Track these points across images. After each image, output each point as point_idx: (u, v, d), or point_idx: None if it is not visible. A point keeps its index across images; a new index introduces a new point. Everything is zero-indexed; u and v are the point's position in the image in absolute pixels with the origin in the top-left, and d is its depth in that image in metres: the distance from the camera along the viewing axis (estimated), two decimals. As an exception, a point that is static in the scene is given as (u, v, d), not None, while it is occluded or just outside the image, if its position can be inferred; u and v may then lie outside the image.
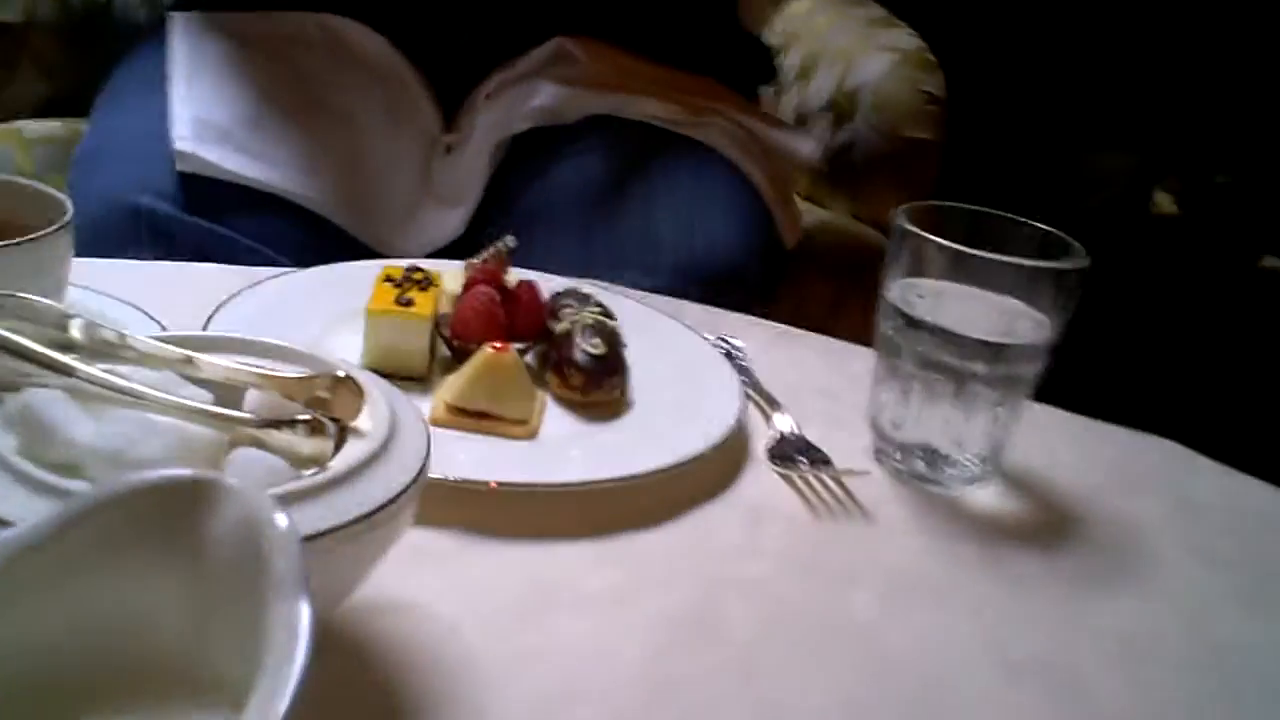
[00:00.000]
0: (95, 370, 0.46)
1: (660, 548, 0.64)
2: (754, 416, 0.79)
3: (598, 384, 0.74)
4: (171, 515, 0.35)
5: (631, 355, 0.80)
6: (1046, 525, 0.74)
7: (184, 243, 1.00)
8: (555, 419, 0.73)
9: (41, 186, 0.68)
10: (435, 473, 0.61)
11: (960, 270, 0.72)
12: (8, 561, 0.34)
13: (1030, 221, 0.75)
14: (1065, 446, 0.83)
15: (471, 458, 0.66)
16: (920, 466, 0.75)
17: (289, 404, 0.49)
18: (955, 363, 0.72)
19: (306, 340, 0.75)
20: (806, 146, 1.25)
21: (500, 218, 1.13)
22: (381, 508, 0.44)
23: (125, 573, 0.36)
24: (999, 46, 2.07)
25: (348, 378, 0.49)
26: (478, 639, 0.55)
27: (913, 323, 0.73)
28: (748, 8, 1.33)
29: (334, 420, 0.48)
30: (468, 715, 0.51)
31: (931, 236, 0.71)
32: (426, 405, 0.71)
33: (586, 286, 0.87)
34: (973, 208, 0.77)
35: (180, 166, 1.01)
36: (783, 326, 0.96)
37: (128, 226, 1.00)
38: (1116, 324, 1.78)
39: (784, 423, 0.78)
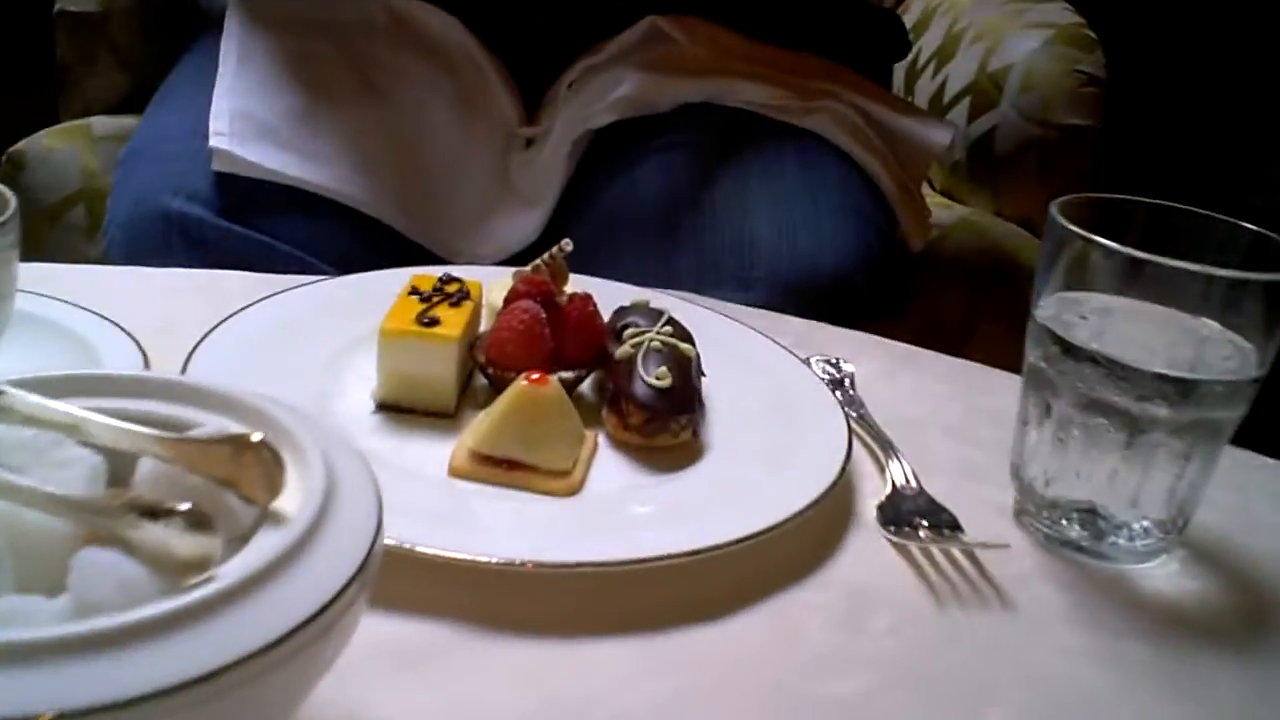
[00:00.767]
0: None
1: (724, 649, 0.49)
2: (863, 463, 0.64)
3: (662, 425, 0.59)
4: None
5: (711, 383, 0.65)
6: (1247, 615, 0.56)
7: (219, 250, 0.89)
8: (607, 468, 0.59)
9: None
10: (429, 544, 0.48)
11: (1135, 282, 0.55)
12: None
13: (1229, 219, 0.58)
14: (1270, 506, 0.65)
15: (484, 520, 0.52)
16: (1078, 533, 0.58)
17: (189, 479, 0.35)
18: (1128, 404, 0.54)
19: (315, 365, 0.63)
20: (939, 134, 1.08)
21: (579, 221, 0.99)
22: (280, 641, 0.30)
23: None
24: (1166, 22, 1.84)
25: (262, 443, 0.35)
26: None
27: (1071, 350, 0.56)
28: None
29: (247, 500, 0.35)
30: None
31: (1097, 238, 0.54)
32: (448, 449, 0.58)
33: (662, 299, 0.72)
34: (1150, 201, 0.60)
35: (216, 166, 0.90)
36: (906, 346, 0.80)
37: (159, 231, 0.90)
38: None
39: (901, 473, 0.62)
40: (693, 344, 0.64)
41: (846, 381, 0.72)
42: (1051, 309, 0.58)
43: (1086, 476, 0.57)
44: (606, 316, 0.67)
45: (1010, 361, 1.16)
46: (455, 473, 0.56)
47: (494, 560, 0.48)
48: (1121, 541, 0.58)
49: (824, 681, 0.48)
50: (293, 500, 0.35)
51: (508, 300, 0.63)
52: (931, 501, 0.60)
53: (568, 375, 0.62)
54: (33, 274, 0.75)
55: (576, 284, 0.71)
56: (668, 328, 0.64)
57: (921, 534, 0.57)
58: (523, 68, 1.09)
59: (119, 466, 0.36)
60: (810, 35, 1.12)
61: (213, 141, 0.91)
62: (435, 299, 0.63)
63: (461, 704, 0.44)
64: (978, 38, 1.33)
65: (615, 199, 0.99)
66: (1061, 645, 0.52)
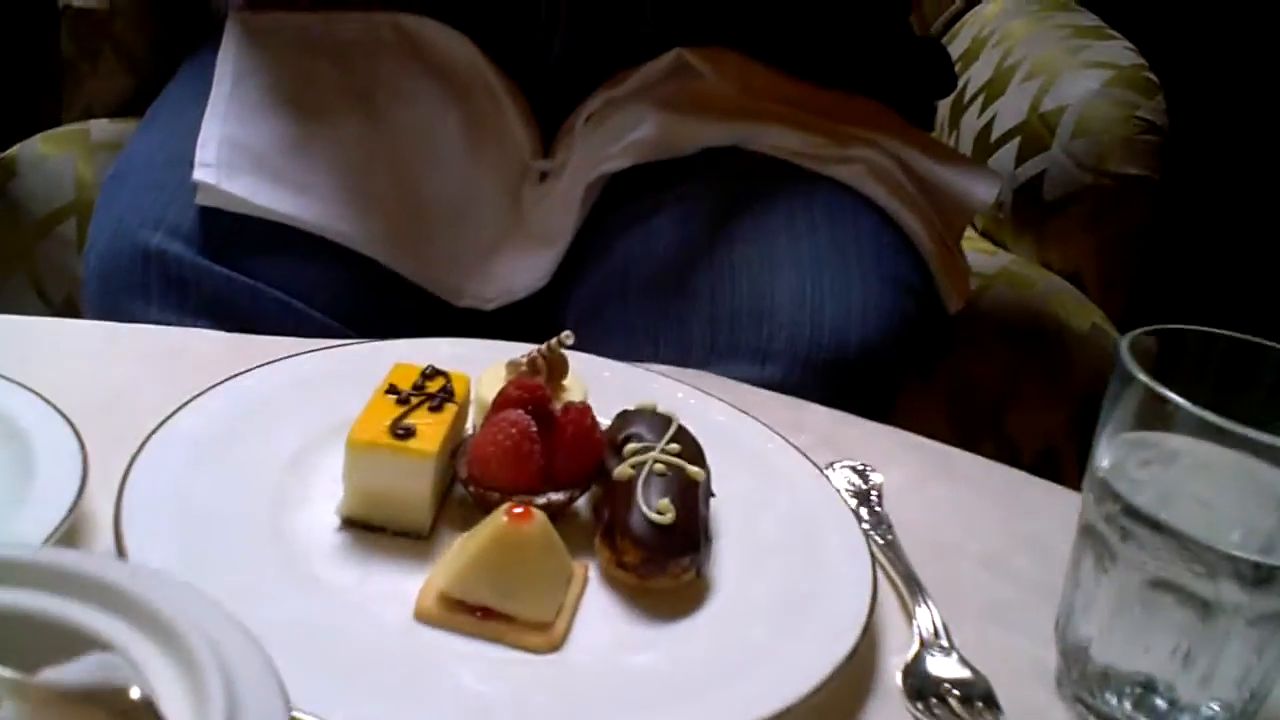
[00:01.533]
0: None
1: None
2: (888, 605, 0.56)
3: (659, 567, 0.52)
4: None
5: (720, 503, 0.58)
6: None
7: (199, 292, 0.82)
8: (595, 613, 0.52)
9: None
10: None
11: (1211, 433, 0.47)
12: None
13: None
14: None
15: (443, 689, 0.45)
16: (1129, 711, 0.51)
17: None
18: (1198, 585, 0.47)
19: (278, 464, 0.57)
20: (985, 189, 0.99)
21: (590, 270, 0.92)
22: None
23: None
24: (1234, 67, 1.73)
25: (143, 702, 0.28)
26: None
27: (1133, 514, 0.48)
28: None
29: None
30: None
31: (1170, 395, 0.47)
32: (417, 584, 0.51)
33: (671, 389, 0.65)
34: (1233, 335, 0.52)
35: (200, 200, 0.83)
36: (940, 448, 0.72)
37: (136, 268, 0.83)
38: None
39: (929, 623, 0.55)
40: (703, 462, 0.57)
41: (873, 496, 0.65)
42: (1115, 454, 0.50)
43: (1146, 647, 0.50)
44: (604, 403, 0.60)
45: (1050, 430, 1.09)
46: (421, 617, 0.49)
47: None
48: (1183, 726, 0.50)
49: None
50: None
51: (497, 405, 0.56)
52: (962, 662, 0.53)
53: (558, 497, 0.55)
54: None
55: (577, 362, 0.64)
56: (674, 444, 0.56)
57: (952, 707, 0.50)
58: (539, 95, 1.01)
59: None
60: (848, 69, 1.04)
61: (197, 174, 0.84)
62: (414, 400, 0.56)
63: None
64: (1031, 75, 1.24)
65: (629, 250, 0.91)
66: None
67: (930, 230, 0.95)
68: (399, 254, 0.90)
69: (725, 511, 0.58)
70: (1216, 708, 0.50)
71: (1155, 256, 1.18)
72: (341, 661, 0.45)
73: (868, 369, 0.85)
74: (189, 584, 0.33)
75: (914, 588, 0.57)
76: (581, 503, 0.58)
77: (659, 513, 0.52)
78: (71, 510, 0.49)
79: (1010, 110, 1.25)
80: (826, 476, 0.63)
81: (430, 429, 0.54)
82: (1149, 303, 1.16)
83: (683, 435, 0.58)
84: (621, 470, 0.55)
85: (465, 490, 0.56)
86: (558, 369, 0.61)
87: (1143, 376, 0.48)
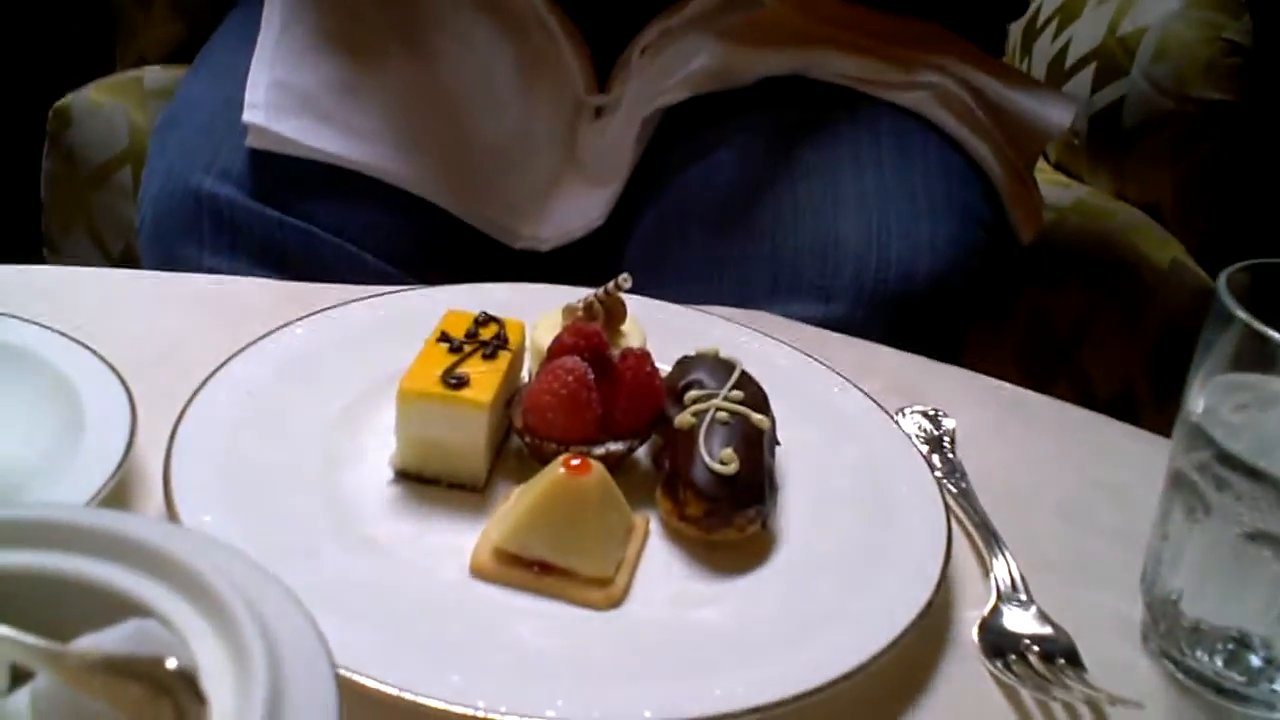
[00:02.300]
0: None
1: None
2: (963, 556, 0.54)
3: (724, 519, 0.50)
4: None
5: (786, 452, 0.56)
6: None
7: (251, 235, 0.81)
8: (657, 567, 0.50)
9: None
10: (429, 694, 0.39)
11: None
12: None
13: None
14: None
15: (500, 647, 0.44)
16: (1220, 669, 0.48)
17: (88, 705, 0.27)
18: (1300, 538, 0.44)
19: (329, 418, 0.55)
20: (1059, 114, 0.95)
21: (648, 207, 0.89)
22: None
23: None
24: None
25: (180, 673, 0.27)
26: None
27: (1228, 461, 0.45)
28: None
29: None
30: None
31: (1272, 333, 0.43)
32: (473, 537, 0.49)
33: (733, 342, 0.62)
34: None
35: (250, 142, 0.82)
36: (1013, 390, 0.69)
37: (189, 212, 0.82)
38: None
39: (1007, 575, 0.52)
40: (767, 409, 0.55)
41: (946, 442, 0.62)
42: (1206, 401, 0.47)
43: (1241, 602, 0.47)
44: (663, 348, 0.57)
45: (1127, 370, 1.05)
46: (476, 572, 0.48)
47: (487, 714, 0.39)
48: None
49: None
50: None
51: (553, 352, 0.54)
52: (1042, 618, 0.50)
53: (617, 447, 0.53)
54: (43, 279, 0.69)
55: (635, 305, 0.62)
56: (737, 391, 0.54)
57: (1031, 664, 0.47)
58: (593, 28, 0.98)
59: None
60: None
61: (247, 115, 0.82)
62: (467, 349, 0.54)
63: None
64: (1107, -5, 1.18)
65: (688, 186, 0.88)
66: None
67: (1001, 158, 0.91)
68: (453, 195, 0.88)
69: (791, 461, 0.56)
70: (1317, 665, 0.47)
71: (1239, 186, 1.12)
72: (396, 620, 0.44)
73: (936, 305, 0.82)
74: (233, 546, 0.32)
75: (990, 538, 0.54)
76: (641, 452, 0.56)
77: (722, 463, 0.50)
78: (119, 467, 0.48)
79: (1086, 34, 1.19)
80: (897, 423, 0.60)
81: (484, 378, 0.52)
82: (1233, 235, 1.11)
83: (746, 382, 0.55)
84: (683, 419, 0.53)
85: (521, 441, 0.54)
86: (615, 313, 0.59)
87: (1242, 314, 0.44)
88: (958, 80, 0.92)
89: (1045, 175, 1.18)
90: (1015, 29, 1.31)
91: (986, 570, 0.53)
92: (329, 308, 0.63)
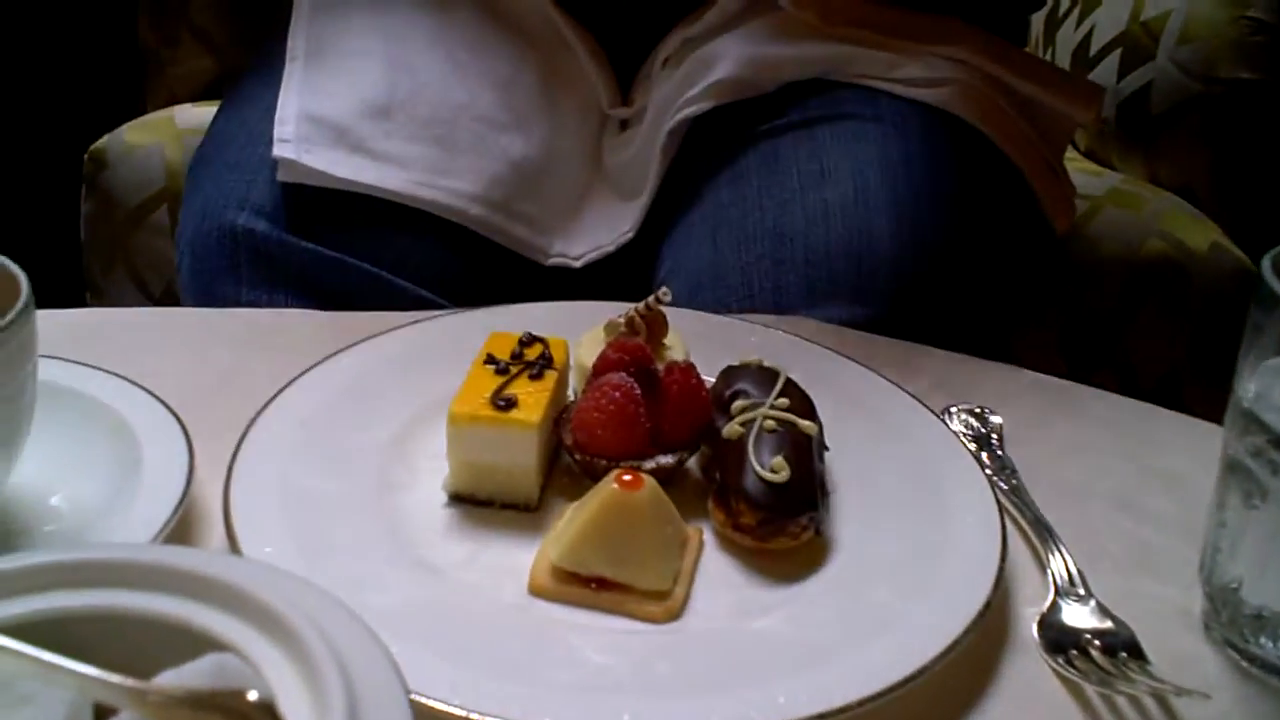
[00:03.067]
0: None
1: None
2: (1018, 554, 0.54)
3: (779, 528, 0.50)
4: None
5: (835, 457, 0.56)
6: None
7: (287, 268, 0.82)
8: (714, 577, 0.50)
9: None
10: (486, 710, 0.40)
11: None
12: None
13: None
14: None
15: (563, 665, 0.44)
16: (1289, 656, 0.48)
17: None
18: (1363, 519, 0.44)
19: (380, 444, 0.56)
20: (1085, 102, 0.94)
21: (680, 220, 0.90)
22: None
23: None
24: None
25: (261, 704, 0.27)
26: None
27: (1284, 445, 0.45)
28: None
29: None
30: None
31: (1326, 315, 0.43)
32: (529, 557, 0.50)
33: (774, 349, 0.63)
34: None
35: (281, 176, 0.82)
36: (1059, 383, 0.69)
37: (225, 250, 0.83)
38: None
39: (1064, 571, 0.52)
40: (814, 415, 0.55)
41: (994, 439, 0.62)
42: (1257, 386, 0.47)
43: (1303, 587, 0.47)
44: (706, 359, 0.58)
45: (1171, 355, 1.04)
46: (536, 591, 0.48)
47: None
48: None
49: None
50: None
51: (598, 369, 0.55)
52: (1102, 611, 0.50)
53: (667, 460, 0.53)
54: (85, 322, 0.70)
55: (674, 317, 0.62)
56: (783, 399, 0.54)
57: (1094, 659, 0.47)
58: (613, 41, 0.98)
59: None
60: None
61: (276, 150, 0.83)
62: (513, 370, 0.55)
63: None
64: (1130, -20, 1.18)
65: (718, 195, 0.89)
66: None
67: (1030, 150, 0.91)
68: (483, 216, 0.89)
69: (841, 465, 0.56)
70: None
71: (1273, 165, 1.11)
72: (459, 643, 0.44)
73: (974, 302, 0.81)
74: (301, 578, 0.32)
75: (1044, 534, 0.54)
76: (691, 464, 0.56)
77: (773, 471, 0.50)
78: (180, 504, 0.48)
79: (1109, 20, 1.18)
80: (944, 422, 0.60)
81: (532, 398, 0.53)
82: (1271, 215, 1.10)
83: (791, 389, 0.55)
84: (731, 429, 0.53)
85: (571, 459, 0.54)
86: (657, 327, 0.59)
87: (1289, 298, 0.44)
88: (981, 74, 0.92)
89: (1076, 164, 1.17)
90: (1037, 20, 1.30)
91: (1043, 565, 0.53)
92: (373, 336, 0.64)
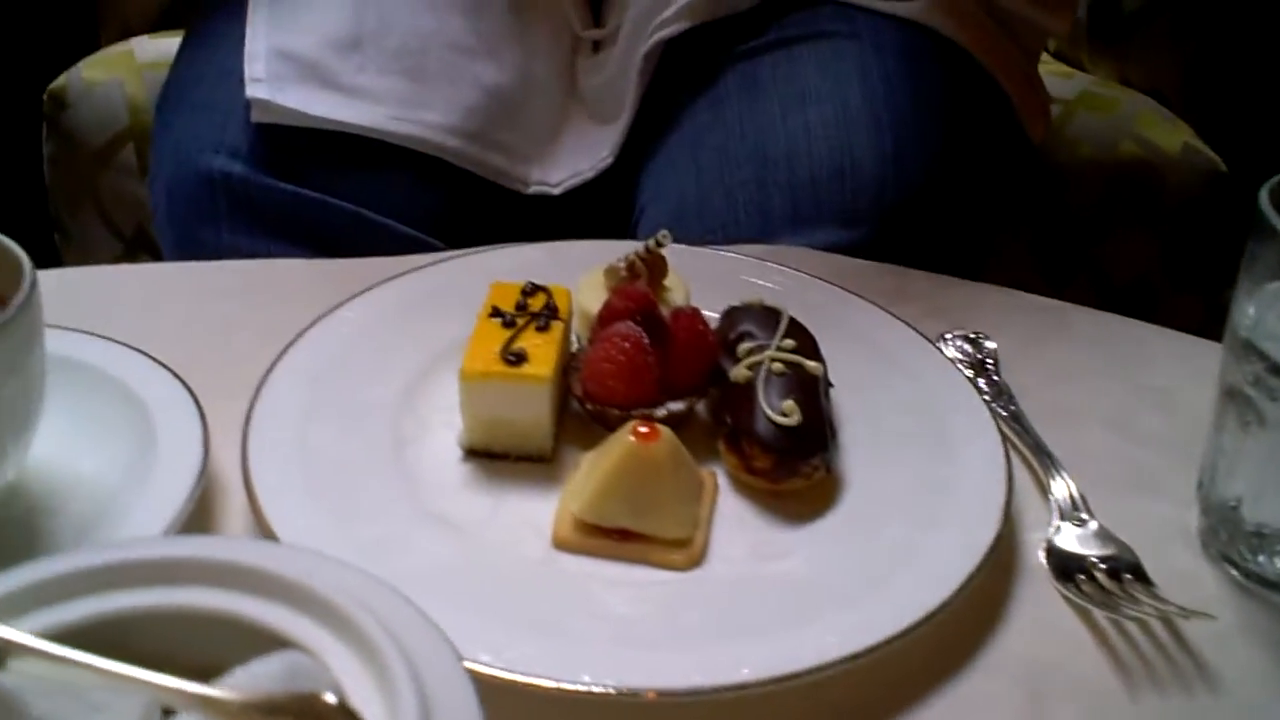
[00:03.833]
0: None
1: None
2: (1019, 479, 0.55)
3: (791, 469, 0.51)
4: None
5: (838, 393, 0.57)
6: None
7: (268, 211, 0.81)
8: (731, 521, 0.51)
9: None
10: (542, 675, 0.41)
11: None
12: None
13: None
14: None
15: (594, 614, 0.45)
16: (1283, 568, 0.50)
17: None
18: (1360, 444, 0.45)
19: (389, 400, 0.56)
20: (1058, 17, 0.94)
21: (660, 147, 0.89)
22: None
23: None
24: None
25: (340, 707, 0.28)
26: None
27: (1279, 372, 0.47)
28: None
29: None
30: None
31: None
32: (548, 509, 0.51)
33: (768, 282, 0.63)
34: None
35: (255, 117, 0.81)
36: (1050, 303, 0.70)
37: (204, 194, 0.82)
38: None
39: (1066, 495, 0.54)
40: (818, 354, 0.56)
41: (989, 364, 0.63)
42: (1254, 314, 0.48)
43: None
44: (701, 295, 0.59)
45: (1145, 257, 1.06)
46: (560, 545, 0.49)
47: (617, 689, 0.41)
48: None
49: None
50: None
51: (604, 318, 0.55)
52: (1104, 534, 0.52)
53: (678, 407, 0.54)
54: (73, 281, 0.69)
55: (667, 255, 0.62)
56: (788, 340, 0.55)
57: (1099, 581, 0.49)
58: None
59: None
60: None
61: (249, 90, 0.81)
62: (519, 322, 0.55)
63: None
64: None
65: (696, 118, 0.88)
66: (1276, 726, 0.45)
67: (1008, 62, 0.91)
68: (460, 148, 0.87)
69: (844, 400, 0.57)
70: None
71: (1244, 66, 1.11)
72: (490, 603, 0.45)
73: (959, 218, 0.82)
74: (365, 571, 0.33)
75: (1045, 459, 0.56)
76: (699, 406, 0.57)
77: (784, 415, 0.51)
78: (200, 475, 0.49)
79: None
80: (941, 351, 0.61)
81: (541, 350, 0.53)
82: (1241, 117, 1.11)
83: (795, 329, 0.56)
84: (738, 372, 0.54)
85: (581, 408, 0.55)
86: (657, 270, 0.60)
87: (1289, 231, 0.45)
88: (958, -15, 0.91)
89: (1046, 66, 1.17)
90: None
91: (1043, 490, 0.55)
92: (371, 288, 0.63)
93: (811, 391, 0.53)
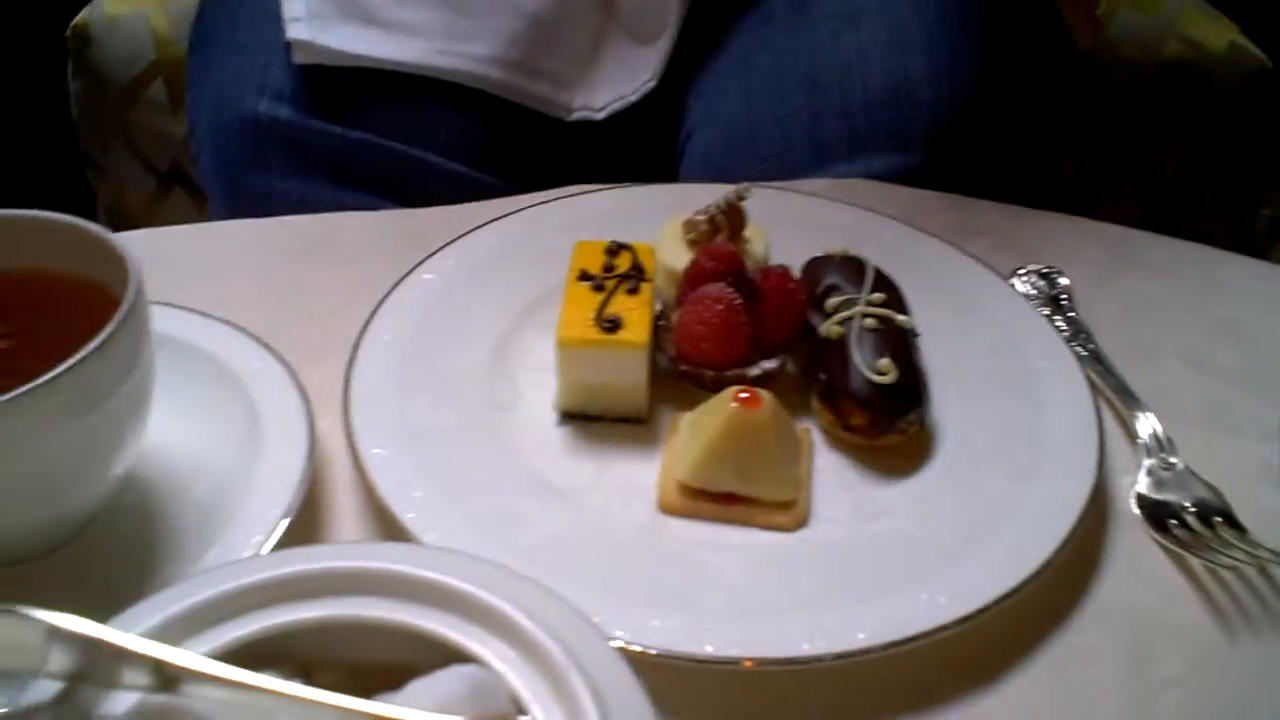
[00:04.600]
0: None
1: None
2: (1105, 421, 0.56)
3: (888, 426, 0.52)
4: None
5: (922, 340, 0.57)
6: None
7: (317, 153, 0.81)
8: (830, 479, 0.52)
9: (88, 227, 0.48)
10: (659, 645, 0.43)
11: None
12: None
13: None
14: None
15: (708, 580, 0.46)
16: (1368, 504, 0.51)
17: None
18: None
19: (480, 362, 0.57)
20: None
21: (708, 72, 0.88)
22: None
23: None
24: None
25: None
26: None
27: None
28: None
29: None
30: None
31: None
32: (649, 471, 0.52)
33: (836, 222, 0.63)
34: None
35: (297, 58, 0.80)
36: (1117, 230, 0.70)
37: (249, 139, 0.81)
38: None
39: (1153, 437, 0.55)
40: (904, 305, 0.56)
41: (1064, 300, 0.63)
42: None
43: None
44: (779, 241, 0.59)
45: (1190, 159, 1.05)
46: (666, 509, 0.50)
47: (762, 659, 0.43)
48: None
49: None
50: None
51: (692, 277, 0.55)
52: (1192, 476, 0.53)
53: (771, 365, 0.55)
54: (138, 244, 0.68)
55: (721, 189, 0.62)
56: (876, 294, 0.55)
57: (1191, 526, 0.50)
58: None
59: None
60: None
61: (290, 31, 0.80)
62: (609, 285, 0.55)
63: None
64: None
65: (745, 42, 0.87)
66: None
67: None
68: (504, 79, 0.86)
69: (927, 347, 0.58)
70: None
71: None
72: (608, 573, 0.46)
73: (1015, 134, 0.81)
74: (534, 579, 0.34)
75: (1129, 400, 0.57)
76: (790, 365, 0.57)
77: (880, 372, 0.52)
78: (309, 454, 0.49)
79: None
80: (1016, 290, 0.62)
81: (635, 315, 0.54)
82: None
83: (882, 281, 0.57)
84: (829, 328, 0.54)
85: (674, 367, 0.56)
86: (737, 223, 0.60)
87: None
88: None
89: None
90: None
91: (1128, 430, 0.56)
92: (445, 245, 0.64)
93: (904, 346, 0.54)
